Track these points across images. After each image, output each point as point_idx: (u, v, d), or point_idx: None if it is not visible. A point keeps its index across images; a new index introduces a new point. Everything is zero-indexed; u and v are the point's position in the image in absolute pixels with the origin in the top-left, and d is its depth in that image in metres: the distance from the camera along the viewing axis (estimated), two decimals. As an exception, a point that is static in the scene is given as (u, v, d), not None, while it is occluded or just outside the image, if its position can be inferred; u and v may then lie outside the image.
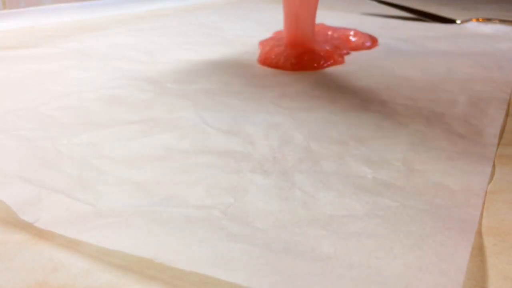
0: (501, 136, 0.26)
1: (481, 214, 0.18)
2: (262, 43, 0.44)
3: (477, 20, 0.61)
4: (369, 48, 0.45)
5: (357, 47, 0.45)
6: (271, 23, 0.57)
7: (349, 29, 0.49)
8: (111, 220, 0.17)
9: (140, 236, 0.16)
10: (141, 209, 0.18)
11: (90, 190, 0.19)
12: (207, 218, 0.17)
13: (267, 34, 0.49)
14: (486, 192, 0.20)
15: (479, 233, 0.17)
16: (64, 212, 0.17)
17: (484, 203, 0.19)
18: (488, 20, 0.61)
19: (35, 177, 0.20)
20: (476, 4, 0.80)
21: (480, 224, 0.18)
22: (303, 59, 0.39)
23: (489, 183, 0.21)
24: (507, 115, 0.29)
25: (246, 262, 0.15)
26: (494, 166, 0.22)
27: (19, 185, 0.19)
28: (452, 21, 0.61)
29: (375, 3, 0.71)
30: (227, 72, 0.36)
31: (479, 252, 0.16)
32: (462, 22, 0.61)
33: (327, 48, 0.41)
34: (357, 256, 0.15)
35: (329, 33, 0.47)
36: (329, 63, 0.39)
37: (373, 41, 0.47)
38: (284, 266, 0.15)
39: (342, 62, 0.40)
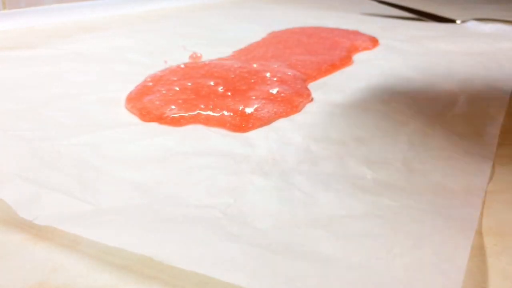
0: (501, 136, 0.26)
1: (481, 214, 0.18)
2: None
3: (477, 20, 0.61)
4: (369, 49, 0.45)
5: (358, 49, 0.45)
6: (271, 23, 0.57)
7: (350, 31, 0.49)
8: (110, 218, 0.17)
9: (139, 234, 0.16)
10: (141, 208, 0.18)
11: (90, 189, 0.19)
12: (207, 218, 0.17)
13: (265, 34, 0.49)
14: (486, 192, 0.20)
15: (479, 233, 0.17)
16: (63, 210, 0.17)
17: (484, 203, 0.19)
18: (488, 20, 0.61)
19: (34, 176, 0.20)
20: (476, 4, 0.80)
21: (480, 224, 0.18)
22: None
23: (488, 183, 0.21)
24: (507, 115, 0.29)
25: (245, 262, 0.15)
26: (493, 166, 0.22)
27: (18, 184, 0.19)
28: (452, 21, 0.61)
29: (375, 3, 0.71)
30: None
31: (479, 252, 0.16)
32: (462, 22, 0.61)
33: None
34: (356, 257, 0.15)
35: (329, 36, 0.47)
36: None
37: (374, 42, 0.47)
38: (283, 266, 0.15)
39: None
